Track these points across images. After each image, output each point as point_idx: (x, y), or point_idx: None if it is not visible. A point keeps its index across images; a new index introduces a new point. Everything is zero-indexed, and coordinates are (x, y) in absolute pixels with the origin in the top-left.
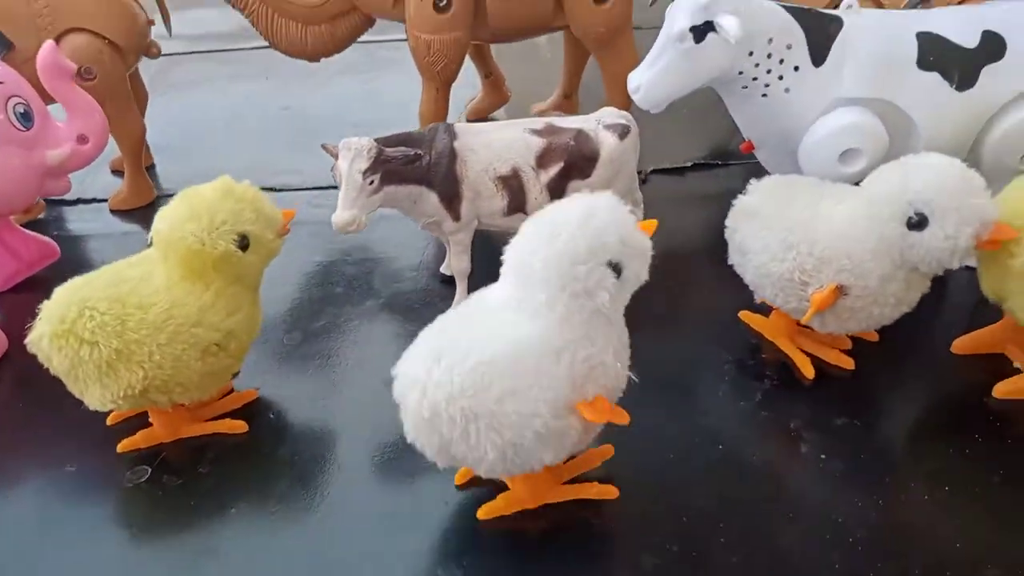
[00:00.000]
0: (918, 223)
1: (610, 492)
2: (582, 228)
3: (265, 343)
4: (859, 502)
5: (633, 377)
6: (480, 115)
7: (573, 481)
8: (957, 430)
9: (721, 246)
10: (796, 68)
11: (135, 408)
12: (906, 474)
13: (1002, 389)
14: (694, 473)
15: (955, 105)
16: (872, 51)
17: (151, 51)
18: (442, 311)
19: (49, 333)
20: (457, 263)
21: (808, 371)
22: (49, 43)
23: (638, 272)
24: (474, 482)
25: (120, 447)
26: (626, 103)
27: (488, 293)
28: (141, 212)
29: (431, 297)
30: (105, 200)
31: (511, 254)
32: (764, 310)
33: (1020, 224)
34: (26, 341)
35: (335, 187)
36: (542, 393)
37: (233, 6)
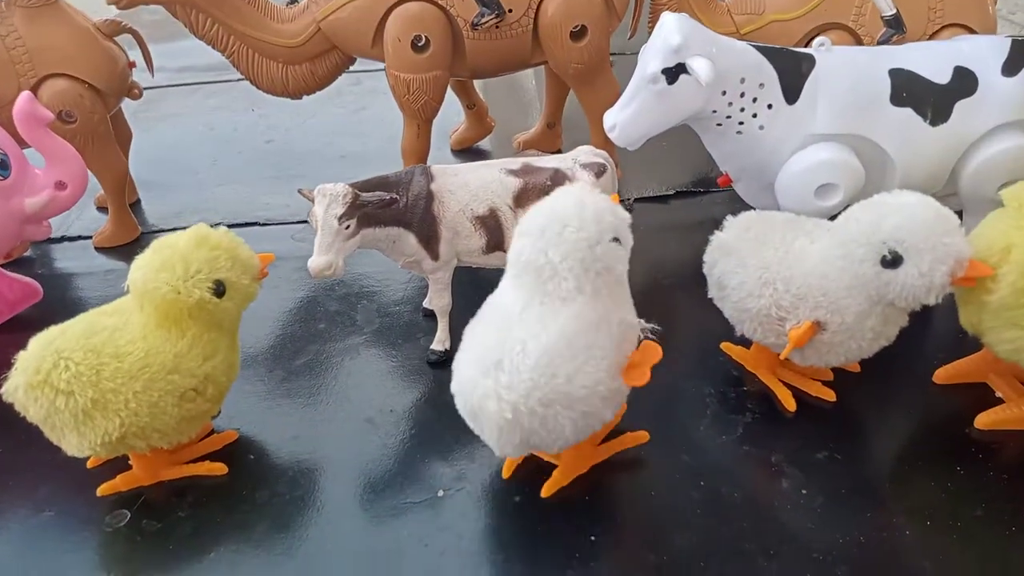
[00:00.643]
0: (892, 261)
1: (641, 437)
2: (583, 216)
3: (246, 382)
4: (840, 538)
5: (649, 326)
6: (464, 145)
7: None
8: (939, 462)
9: (704, 275)
10: (770, 106)
11: (113, 454)
12: (888, 508)
13: (984, 420)
14: (675, 512)
15: (929, 139)
16: (845, 88)
17: (132, 93)
18: (425, 347)
19: (24, 384)
20: (438, 300)
21: (790, 404)
22: (26, 93)
23: (628, 238)
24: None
25: (100, 491)
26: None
27: (502, 299)
28: (126, 249)
29: (415, 332)
30: (90, 237)
31: (520, 259)
32: (746, 342)
33: (995, 261)
34: (1, 391)
35: None
36: (598, 363)
37: (213, 47)
